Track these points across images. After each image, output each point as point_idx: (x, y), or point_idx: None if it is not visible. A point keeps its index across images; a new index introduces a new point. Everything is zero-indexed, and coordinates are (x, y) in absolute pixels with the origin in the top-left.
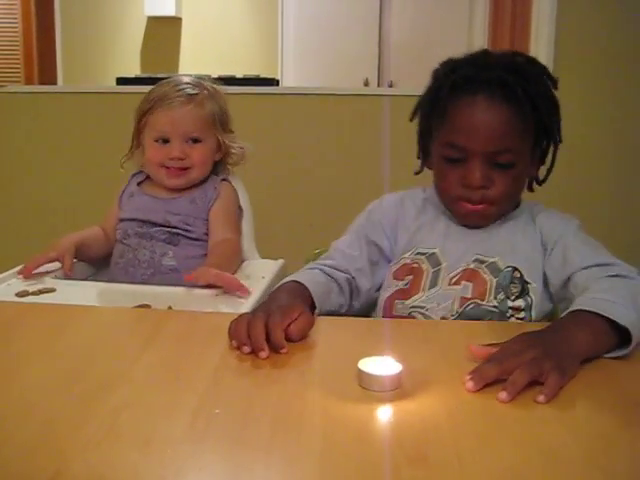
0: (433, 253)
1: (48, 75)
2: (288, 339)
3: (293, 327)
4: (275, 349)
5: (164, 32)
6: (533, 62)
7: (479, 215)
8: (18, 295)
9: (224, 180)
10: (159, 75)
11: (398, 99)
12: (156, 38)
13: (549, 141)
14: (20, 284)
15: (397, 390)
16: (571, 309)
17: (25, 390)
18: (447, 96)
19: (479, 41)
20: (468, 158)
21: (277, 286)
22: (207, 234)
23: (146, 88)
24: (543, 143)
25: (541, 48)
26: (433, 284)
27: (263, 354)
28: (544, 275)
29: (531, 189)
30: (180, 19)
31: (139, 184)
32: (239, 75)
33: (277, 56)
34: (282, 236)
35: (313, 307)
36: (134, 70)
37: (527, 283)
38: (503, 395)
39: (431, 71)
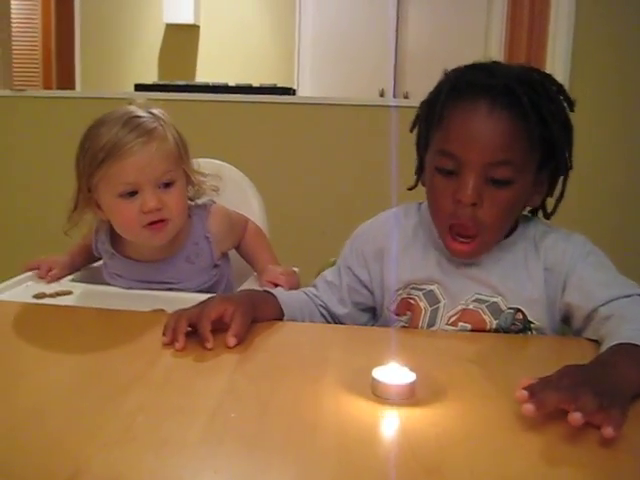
0: (431, 290)
1: (66, 80)
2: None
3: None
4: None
5: (182, 39)
6: (549, 79)
7: (467, 253)
8: (35, 297)
9: (206, 210)
10: (177, 82)
11: (412, 110)
12: (174, 45)
13: (558, 165)
14: (37, 286)
15: (411, 399)
16: (614, 343)
17: (42, 391)
18: (445, 100)
19: (495, 52)
20: (462, 170)
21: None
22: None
23: (164, 95)
24: (551, 166)
25: (557, 60)
26: (431, 323)
27: (178, 345)
28: (563, 310)
29: (547, 217)
30: (198, 27)
31: (112, 243)
32: (256, 84)
33: (294, 65)
34: (296, 244)
35: (281, 315)
36: (152, 77)
37: (530, 323)
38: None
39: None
